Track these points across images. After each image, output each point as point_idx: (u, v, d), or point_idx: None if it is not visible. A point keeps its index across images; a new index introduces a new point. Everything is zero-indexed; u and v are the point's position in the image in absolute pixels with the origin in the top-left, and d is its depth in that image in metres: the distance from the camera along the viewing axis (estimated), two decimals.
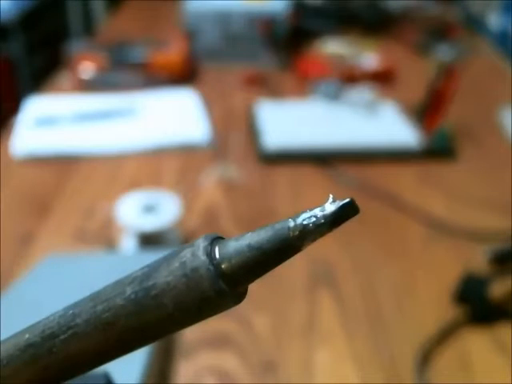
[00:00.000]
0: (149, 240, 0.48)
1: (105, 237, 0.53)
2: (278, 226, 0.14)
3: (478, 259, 0.51)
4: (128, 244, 0.50)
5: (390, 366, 0.41)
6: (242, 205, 0.59)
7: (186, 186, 0.62)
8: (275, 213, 0.58)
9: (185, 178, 0.64)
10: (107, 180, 0.63)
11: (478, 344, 0.43)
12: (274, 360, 0.42)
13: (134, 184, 0.61)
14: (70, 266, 0.41)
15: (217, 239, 0.15)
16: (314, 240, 0.14)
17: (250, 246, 0.14)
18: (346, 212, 0.13)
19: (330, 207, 0.13)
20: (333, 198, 0.13)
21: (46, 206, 0.58)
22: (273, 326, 0.45)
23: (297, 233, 0.14)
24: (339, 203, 0.13)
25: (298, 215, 0.14)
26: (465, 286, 0.46)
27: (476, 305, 0.45)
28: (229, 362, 0.41)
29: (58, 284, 0.37)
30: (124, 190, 0.58)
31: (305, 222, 0.14)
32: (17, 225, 0.56)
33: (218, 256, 0.14)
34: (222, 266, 0.14)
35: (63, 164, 0.66)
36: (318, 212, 0.13)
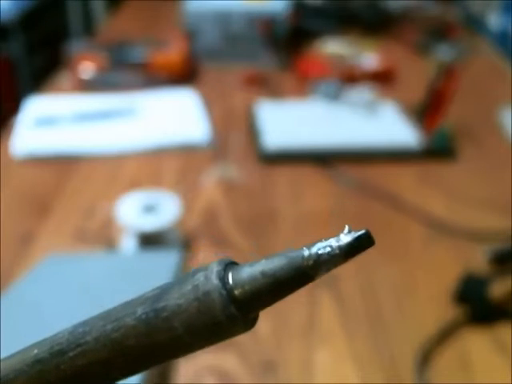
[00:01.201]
0: (149, 240, 0.48)
1: (105, 237, 0.53)
2: (292, 254, 0.14)
3: (478, 259, 0.51)
4: (128, 244, 0.49)
5: (390, 366, 0.41)
6: (242, 205, 0.59)
7: (186, 186, 0.62)
8: (275, 213, 0.58)
9: (185, 178, 0.64)
10: (107, 180, 0.63)
11: (478, 344, 0.43)
12: (274, 360, 0.42)
13: (134, 184, 0.61)
14: (70, 266, 0.41)
15: (231, 264, 0.15)
16: (328, 270, 0.14)
17: (263, 273, 0.14)
18: (362, 243, 0.13)
19: (345, 238, 0.13)
20: (348, 229, 0.14)
21: (46, 206, 0.58)
22: (273, 326, 0.45)
23: (311, 262, 0.14)
24: (354, 234, 0.13)
25: (312, 244, 0.14)
26: (465, 286, 0.46)
27: (476, 305, 0.45)
28: (229, 362, 0.41)
29: (57, 284, 0.37)
30: (124, 190, 0.58)
31: (320, 252, 0.13)
32: (17, 225, 0.56)
33: (231, 281, 0.14)
34: (235, 292, 0.14)
35: (63, 164, 0.66)
36: (333, 242, 0.13)
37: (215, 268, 0.14)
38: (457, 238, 0.54)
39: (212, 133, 0.72)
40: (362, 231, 0.13)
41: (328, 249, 0.13)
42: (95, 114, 0.75)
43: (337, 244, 0.13)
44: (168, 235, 0.49)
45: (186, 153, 0.69)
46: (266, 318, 0.45)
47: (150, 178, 0.64)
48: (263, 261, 0.14)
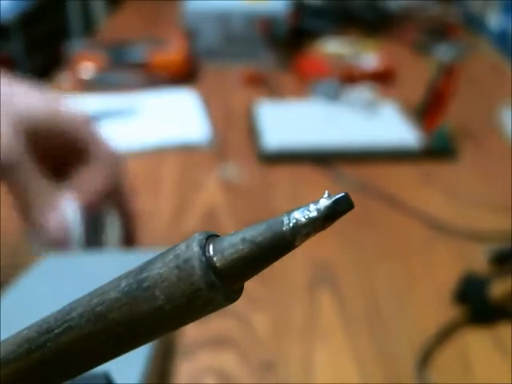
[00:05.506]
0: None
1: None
2: (272, 220, 0.14)
3: (478, 259, 0.51)
4: None
5: (390, 365, 0.41)
6: (242, 205, 0.59)
7: (185, 186, 0.62)
8: (275, 213, 0.58)
9: (185, 178, 0.64)
10: None
11: (477, 344, 0.43)
12: (274, 360, 0.42)
13: (134, 184, 0.61)
14: (67, 265, 0.40)
15: (214, 236, 0.15)
16: (307, 235, 0.14)
17: (243, 239, 0.14)
18: (340, 206, 0.13)
19: (324, 201, 0.13)
20: (328, 194, 0.14)
21: None
22: (273, 326, 0.45)
23: (290, 226, 0.14)
24: (333, 197, 0.13)
25: (292, 210, 0.14)
26: (465, 286, 0.46)
27: (476, 305, 0.45)
28: (229, 362, 0.41)
29: (56, 283, 0.37)
30: None
31: (298, 216, 0.14)
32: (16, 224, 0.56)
33: (211, 249, 0.14)
34: (214, 258, 0.14)
35: None
36: (311, 206, 0.14)
37: (197, 237, 0.15)
38: (457, 238, 0.54)
39: (212, 133, 0.72)
40: (341, 194, 0.14)
41: (307, 212, 0.13)
42: (95, 113, 0.75)
43: (315, 207, 0.13)
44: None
45: (186, 153, 0.69)
46: (266, 318, 0.45)
47: (149, 178, 0.64)
48: (244, 229, 0.14)
